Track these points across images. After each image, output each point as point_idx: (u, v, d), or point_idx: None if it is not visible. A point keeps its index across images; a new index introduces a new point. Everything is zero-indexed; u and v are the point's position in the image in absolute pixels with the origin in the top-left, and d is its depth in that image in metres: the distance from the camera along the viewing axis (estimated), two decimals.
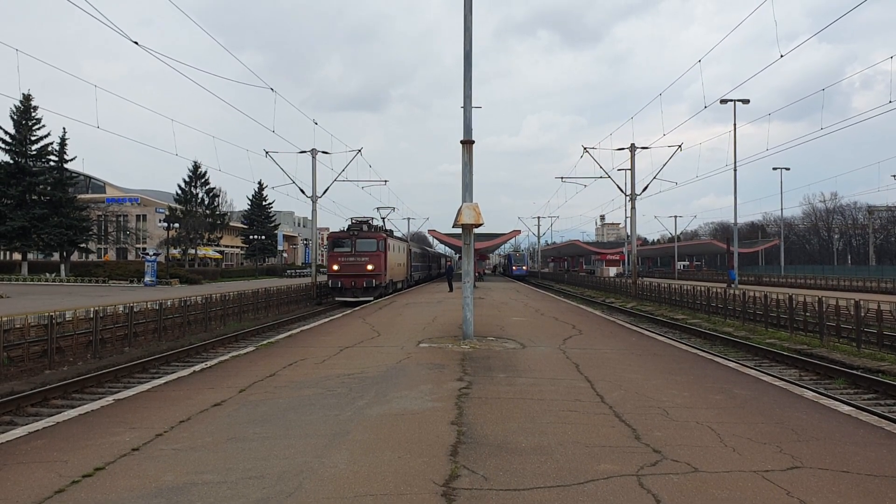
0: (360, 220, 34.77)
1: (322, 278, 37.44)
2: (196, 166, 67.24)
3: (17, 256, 55.38)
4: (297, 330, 17.08)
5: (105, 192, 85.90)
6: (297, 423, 6.64)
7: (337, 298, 32.82)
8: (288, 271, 76.62)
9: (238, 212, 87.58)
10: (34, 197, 49.98)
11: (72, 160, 52.52)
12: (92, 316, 16.58)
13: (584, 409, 7.27)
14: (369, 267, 32.06)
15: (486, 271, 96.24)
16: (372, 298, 31.08)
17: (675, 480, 4.83)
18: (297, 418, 6.84)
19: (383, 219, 41.79)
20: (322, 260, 59.74)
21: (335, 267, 32.51)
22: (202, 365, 11.04)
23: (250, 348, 13.31)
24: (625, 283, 43.53)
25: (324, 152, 37.54)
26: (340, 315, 21.69)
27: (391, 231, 40.82)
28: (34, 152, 50.14)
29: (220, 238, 73.57)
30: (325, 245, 38.26)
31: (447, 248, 76.83)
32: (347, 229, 34.24)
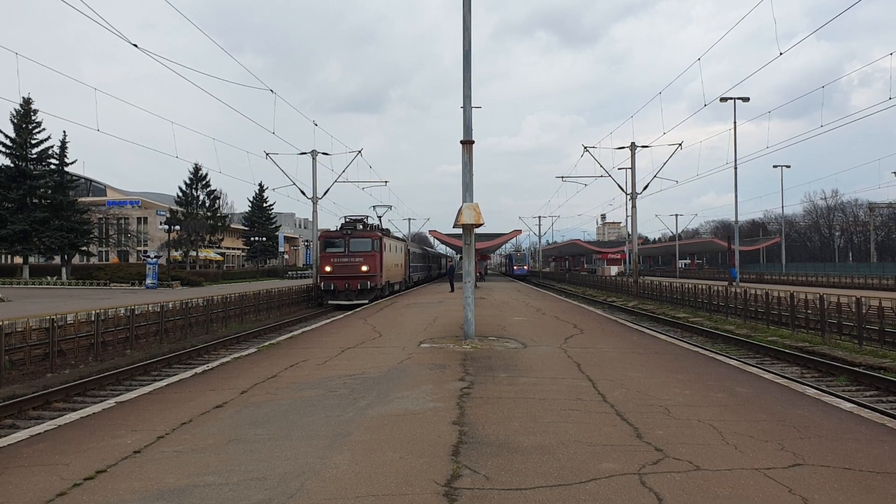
0: (353, 218, 32.69)
1: None
2: (197, 168, 67.23)
3: (18, 260, 55.41)
4: (299, 331, 17.09)
5: (106, 195, 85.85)
6: (299, 424, 6.64)
7: (329, 302, 30.81)
8: (289, 273, 76.59)
9: (239, 214, 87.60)
10: (35, 200, 50.02)
11: (72, 163, 52.62)
12: (93, 319, 16.60)
13: (585, 408, 7.26)
14: (364, 268, 30.14)
15: (489, 270, 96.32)
16: (367, 301, 29.36)
17: (676, 479, 4.83)
18: (299, 419, 6.84)
19: (380, 217, 39.71)
20: None
21: (327, 268, 30.56)
22: (203, 367, 11.05)
23: (252, 350, 13.32)
24: (626, 281, 43.49)
25: (324, 153, 37.37)
26: (342, 316, 21.70)
27: (387, 230, 38.39)
28: (34, 156, 50.18)
29: (222, 240, 73.55)
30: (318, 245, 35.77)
31: (448, 248, 76.81)
32: (340, 228, 32.13)
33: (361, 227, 31.80)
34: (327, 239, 31.76)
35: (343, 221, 32.70)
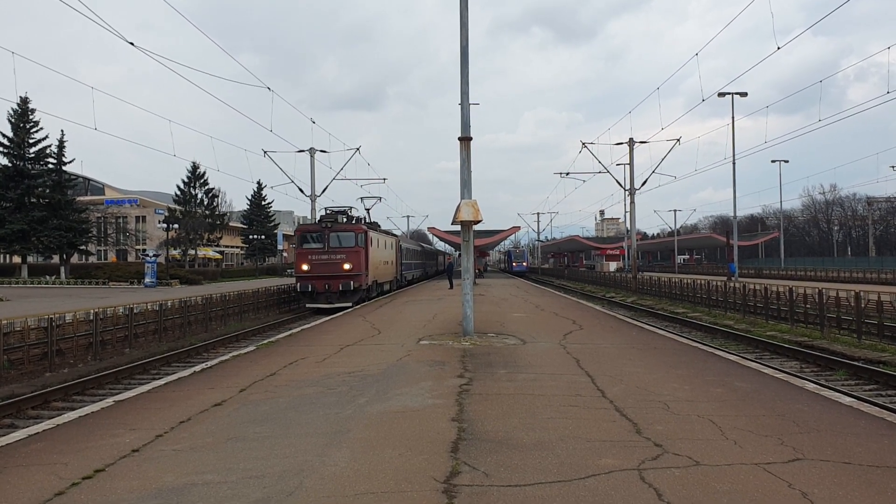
0: (335, 210, 29.10)
1: None
2: (195, 167, 67.17)
3: (16, 259, 55.35)
4: (298, 329, 17.07)
5: (104, 194, 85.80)
6: (298, 421, 6.63)
7: (307, 305, 27.02)
8: (288, 270, 76.43)
9: (237, 212, 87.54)
10: (33, 200, 49.94)
11: (70, 162, 52.47)
12: (92, 318, 16.57)
13: (584, 403, 7.25)
14: (346, 266, 26.24)
15: (489, 267, 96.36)
16: (350, 305, 25.53)
17: (676, 474, 4.82)
18: (298, 417, 6.82)
19: (367, 210, 36.22)
20: None
21: (304, 267, 26.57)
22: (202, 365, 11.03)
23: (251, 348, 13.31)
24: (625, 277, 43.52)
25: (322, 151, 37.18)
26: (341, 314, 21.69)
27: (376, 223, 34.48)
28: (32, 155, 50.10)
29: (220, 238, 73.47)
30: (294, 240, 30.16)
31: (447, 245, 76.78)
32: (319, 221, 28.29)
33: (344, 219, 28.30)
34: (304, 233, 27.84)
35: (323, 213, 29.10)
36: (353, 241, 27.03)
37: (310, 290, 26.31)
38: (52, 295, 30.40)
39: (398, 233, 54.01)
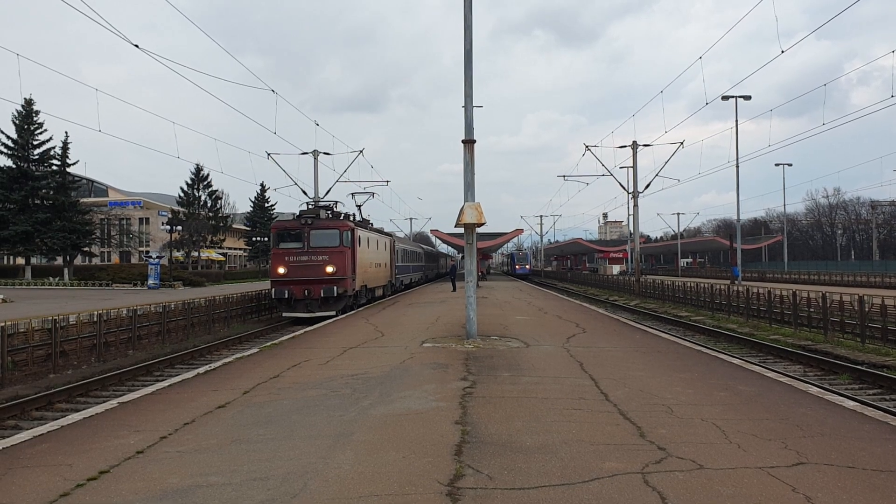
0: (319, 204, 25.97)
1: None
2: (198, 169, 67.27)
3: (20, 261, 55.50)
4: (301, 331, 17.08)
5: (108, 196, 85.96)
6: (302, 424, 6.64)
7: (284, 314, 23.64)
8: None
9: (241, 214, 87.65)
10: (37, 201, 50.06)
11: (74, 164, 52.56)
12: (95, 319, 16.61)
13: (588, 407, 7.25)
14: (329, 269, 22.83)
15: (491, 269, 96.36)
16: (334, 314, 22.46)
17: (679, 478, 4.82)
18: (302, 419, 6.84)
19: (359, 206, 33.01)
20: None
21: (280, 270, 22.94)
22: (206, 367, 11.05)
23: (254, 350, 13.32)
24: (628, 280, 43.47)
25: (325, 153, 37.08)
26: (344, 316, 21.70)
27: (366, 220, 31.18)
28: (36, 157, 50.23)
29: (223, 240, 73.57)
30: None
31: (450, 247, 76.79)
32: (298, 216, 24.23)
33: (328, 215, 24.71)
34: (281, 231, 23.87)
35: (303, 208, 25.69)
36: (338, 241, 23.48)
37: (286, 296, 22.77)
38: (56, 296, 30.46)
39: (401, 234, 53.72)
